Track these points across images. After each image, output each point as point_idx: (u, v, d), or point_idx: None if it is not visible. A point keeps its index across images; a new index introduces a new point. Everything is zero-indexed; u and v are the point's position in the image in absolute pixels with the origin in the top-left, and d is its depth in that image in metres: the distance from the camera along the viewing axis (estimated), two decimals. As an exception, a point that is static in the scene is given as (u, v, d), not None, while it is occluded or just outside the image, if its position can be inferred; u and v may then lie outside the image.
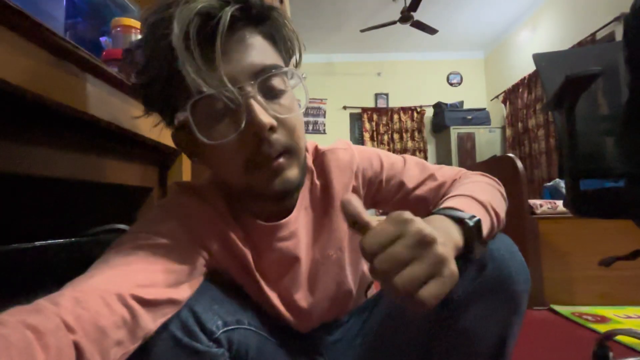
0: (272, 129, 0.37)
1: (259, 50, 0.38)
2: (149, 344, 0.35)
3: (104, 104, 0.49)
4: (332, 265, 0.51)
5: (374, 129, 4.84)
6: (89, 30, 0.69)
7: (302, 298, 0.49)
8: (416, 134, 4.81)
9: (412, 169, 0.52)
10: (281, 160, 0.38)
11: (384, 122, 4.84)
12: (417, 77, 4.90)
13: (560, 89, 0.74)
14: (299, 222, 0.48)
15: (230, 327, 0.41)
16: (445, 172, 0.53)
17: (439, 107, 4.57)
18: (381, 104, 4.92)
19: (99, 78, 0.48)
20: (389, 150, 4.78)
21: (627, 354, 0.93)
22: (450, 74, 4.94)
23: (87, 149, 0.54)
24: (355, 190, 0.51)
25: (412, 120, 4.83)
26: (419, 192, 0.52)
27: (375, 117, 4.85)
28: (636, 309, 1.38)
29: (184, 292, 0.37)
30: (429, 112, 4.80)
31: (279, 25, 0.41)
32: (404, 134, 4.81)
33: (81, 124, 0.49)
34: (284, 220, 0.46)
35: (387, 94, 4.92)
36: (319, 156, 0.51)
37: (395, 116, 4.85)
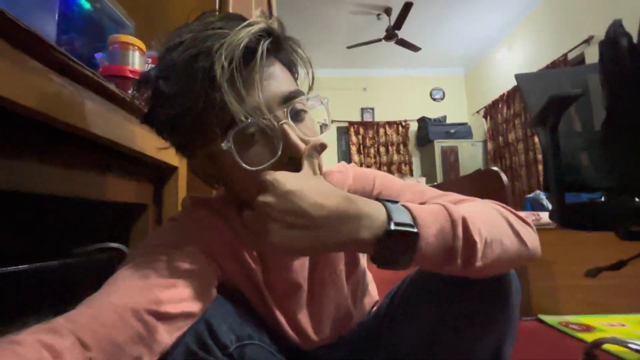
0: (304, 148, 0.38)
1: (283, 78, 0.41)
2: (166, 356, 0.35)
3: (98, 119, 0.48)
4: (330, 288, 0.51)
5: (361, 142, 4.91)
6: (84, 47, 0.68)
7: (303, 318, 0.49)
8: (401, 147, 4.92)
9: (406, 194, 0.48)
10: None
11: (370, 135, 4.93)
12: (401, 92, 5.06)
13: (544, 108, 0.78)
14: None
15: (242, 342, 0.41)
16: (448, 197, 0.47)
17: (423, 121, 4.71)
18: (367, 118, 5.02)
19: (96, 93, 0.48)
20: (375, 163, 4.86)
21: (614, 363, 0.95)
22: (433, 89, 5.12)
23: (79, 165, 0.52)
24: None
25: (398, 134, 4.95)
26: None
27: (361, 130, 4.94)
28: (619, 317, 1.43)
29: (198, 306, 0.38)
30: (414, 126, 4.93)
31: (294, 54, 0.44)
32: (389, 147, 4.91)
33: (74, 139, 0.48)
34: None
35: (372, 108, 5.04)
36: None
37: (381, 130, 4.95)
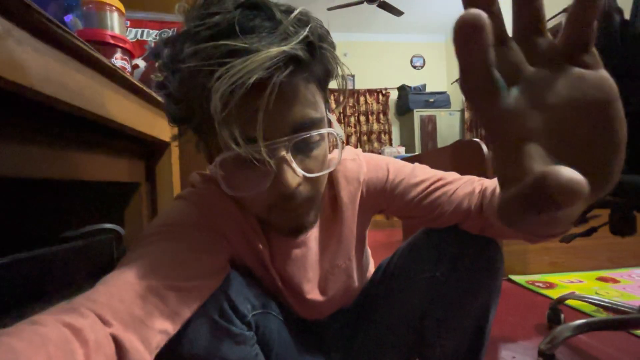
0: (298, 185, 0.35)
1: (301, 101, 0.35)
2: (187, 326, 0.36)
3: (85, 91, 0.43)
4: (341, 274, 0.52)
5: (341, 111, 4.85)
6: (50, 7, 0.60)
7: (312, 298, 0.51)
8: (381, 116, 4.91)
9: (419, 175, 0.50)
10: (300, 208, 0.39)
11: (350, 104, 4.87)
12: (382, 58, 4.96)
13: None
14: (310, 232, 0.49)
15: (258, 311, 0.43)
16: (455, 176, 0.50)
17: (403, 89, 4.69)
18: (347, 85, 4.92)
19: (81, 62, 0.43)
20: (355, 132, 4.86)
21: (576, 316, 1.07)
22: (414, 56, 5.06)
23: (64, 144, 0.48)
24: (362, 200, 0.50)
25: (378, 102, 4.92)
26: (427, 195, 0.49)
27: (341, 99, 4.85)
28: (577, 274, 1.59)
29: (213, 280, 0.38)
30: (394, 95, 4.91)
31: (328, 64, 0.37)
32: (369, 116, 4.89)
33: (58, 115, 0.44)
34: None
35: (353, 76, 4.93)
36: None
37: (362, 98, 4.89)
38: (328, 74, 0.38)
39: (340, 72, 0.39)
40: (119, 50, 0.58)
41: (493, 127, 0.18)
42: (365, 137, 4.87)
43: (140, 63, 0.69)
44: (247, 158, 0.33)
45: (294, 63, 0.32)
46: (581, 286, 1.42)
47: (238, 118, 0.31)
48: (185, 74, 0.32)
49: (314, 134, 0.35)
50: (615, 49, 0.69)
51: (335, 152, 0.43)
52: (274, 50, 0.30)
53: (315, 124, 0.36)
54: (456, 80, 4.70)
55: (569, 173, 0.14)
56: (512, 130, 0.18)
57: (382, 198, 0.51)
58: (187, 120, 0.36)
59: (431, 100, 4.56)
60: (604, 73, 0.18)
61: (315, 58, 0.34)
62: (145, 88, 0.56)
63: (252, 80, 0.29)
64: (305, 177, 0.36)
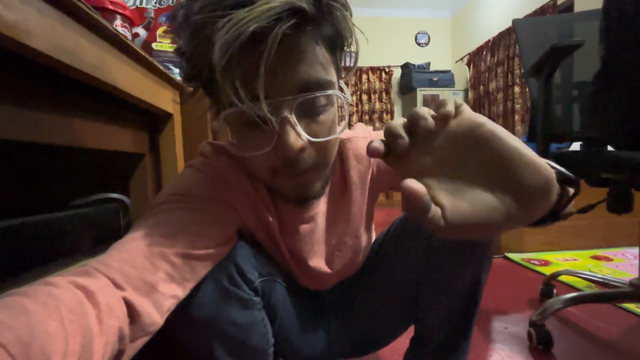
0: (302, 149, 0.35)
1: (308, 60, 0.34)
2: (198, 292, 0.37)
3: (91, 58, 0.43)
4: (348, 251, 0.53)
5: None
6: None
7: (318, 272, 0.52)
8: (384, 95, 4.83)
9: None
10: (306, 175, 0.38)
11: (352, 82, 4.78)
12: (386, 35, 4.81)
13: (542, 58, 0.78)
14: (318, 207, 0.49)
15: (264, 278, 0.45)
16: None
17: (407, 67, 4.58)
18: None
19: (88, 28, 0.42)
20: (356, 112, 4.80)
21: (568, 291, 1.11)
22: (419, 33, 4.91)
23: (72, 111, 0.48)
24: (372, 179, 0.51)
25: (381, 80, 4.82)
26: None
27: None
28: (572, 253, 1.63)
29: (222, 249, 0.39)
30: (397, 73, 4.81)
31: (338, 24, 0.36)
32: (372, 95, 4.81)
33: (64, 82, 0.43)
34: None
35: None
36: (339, 145, 0.50)
37: (364, 76, 4.79)
38: (339, 36, 0.37)
39: (352, 35, 0.37)
40: (118, 17, 0.57)
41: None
42: (367, 117, 4.82)
43: (141, 31, 0.68)
44: (250, 115, 0.32)
45: (299, 16, 0.31)
46: (575, 264, 1.46)
47: (240, 70, 0.30)
48: (192, 28, 0.32)
49: (319, 94, 0.34)
50: (626, 21, 0.68)
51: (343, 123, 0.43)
52: (278, 1, 0.29)
53: (323, 86, 0.35)
54: (461, 59, 4.59)
55: (407, 182, 0.23)
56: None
57: (393, 176, 0.51)
58: (197, 76, 0.36)
59: (435, 79, 4.47)
60: (465, 113, 0.25)
61: (323, 15, 0.33)
62: (148, 57, 0.55)
63: (251, 28, 0.28)
64: (310, 143, 0.35)
